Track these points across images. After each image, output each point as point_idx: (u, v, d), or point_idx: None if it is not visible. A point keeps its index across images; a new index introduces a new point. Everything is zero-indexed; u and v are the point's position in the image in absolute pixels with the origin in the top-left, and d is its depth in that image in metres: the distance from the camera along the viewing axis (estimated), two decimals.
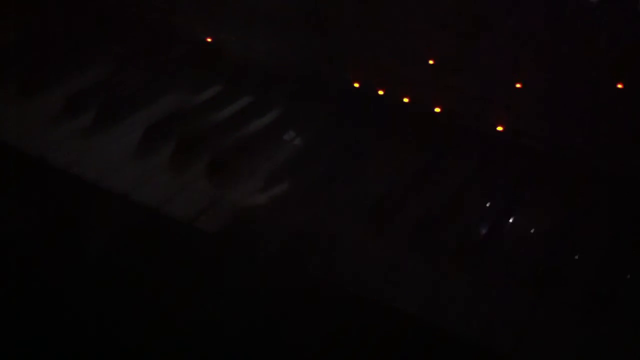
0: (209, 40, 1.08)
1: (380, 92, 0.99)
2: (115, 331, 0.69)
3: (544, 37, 0.90)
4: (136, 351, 0.68)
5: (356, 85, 1.00)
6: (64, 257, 0.68)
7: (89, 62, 1.08)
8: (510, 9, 0.92)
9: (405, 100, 0.98)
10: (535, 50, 0.91)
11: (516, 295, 0.75)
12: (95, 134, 0.93)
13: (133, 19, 1.12)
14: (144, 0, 1.11)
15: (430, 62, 0.98)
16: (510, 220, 0.86)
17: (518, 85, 0.93)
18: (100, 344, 0.68)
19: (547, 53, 0.91)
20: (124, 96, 1.00)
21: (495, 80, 0.94)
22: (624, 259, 0.78)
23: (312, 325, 0.74)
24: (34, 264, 0.65)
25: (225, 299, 0.72)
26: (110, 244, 0.74)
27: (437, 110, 0.96)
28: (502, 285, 0.76)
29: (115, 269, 0.74)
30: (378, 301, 0.73)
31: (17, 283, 0.67)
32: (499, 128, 0.93)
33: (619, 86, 0.87)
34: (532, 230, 0.84)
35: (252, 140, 0.94)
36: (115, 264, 0.73)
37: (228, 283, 0.74)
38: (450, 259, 0.78)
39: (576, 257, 0.79)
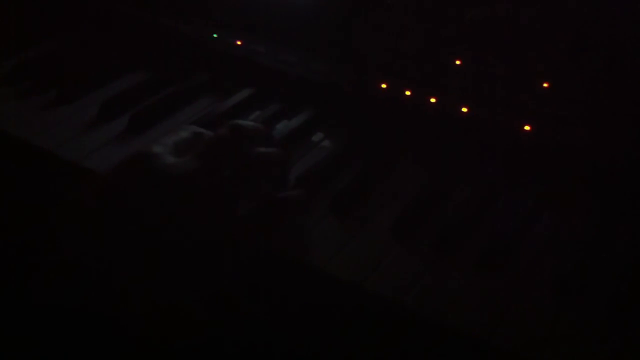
0: (238, 43, 1.10)
1: (407, 93, 1.00)
2: None
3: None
4: None
5: (383, 86, 1.01)
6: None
7: (123, 70, 1.11)
8: None
9: (432, 100, 0.98)
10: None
11: (542, 301, 0.74)
12: (128, 140, 0.96)
13: (166, 28, 1.14)
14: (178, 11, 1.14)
15: (457, 62, 0.99)
16: (537, 225, 0.85)
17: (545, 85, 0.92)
18: None
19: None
20: (155, 103, 1.02)
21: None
22: None
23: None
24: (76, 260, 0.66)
25: None
26: None
27: (464, 110, 0.96)
28: (529, 290, 0.76)
29: None
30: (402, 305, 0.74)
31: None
32: (526, 127, 0.93)
33: None
34: (559, 235, 0.83)
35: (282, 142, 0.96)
36: None
37: None
38: (475, 266, 0.78)
39: (604, 262, 0.78)
